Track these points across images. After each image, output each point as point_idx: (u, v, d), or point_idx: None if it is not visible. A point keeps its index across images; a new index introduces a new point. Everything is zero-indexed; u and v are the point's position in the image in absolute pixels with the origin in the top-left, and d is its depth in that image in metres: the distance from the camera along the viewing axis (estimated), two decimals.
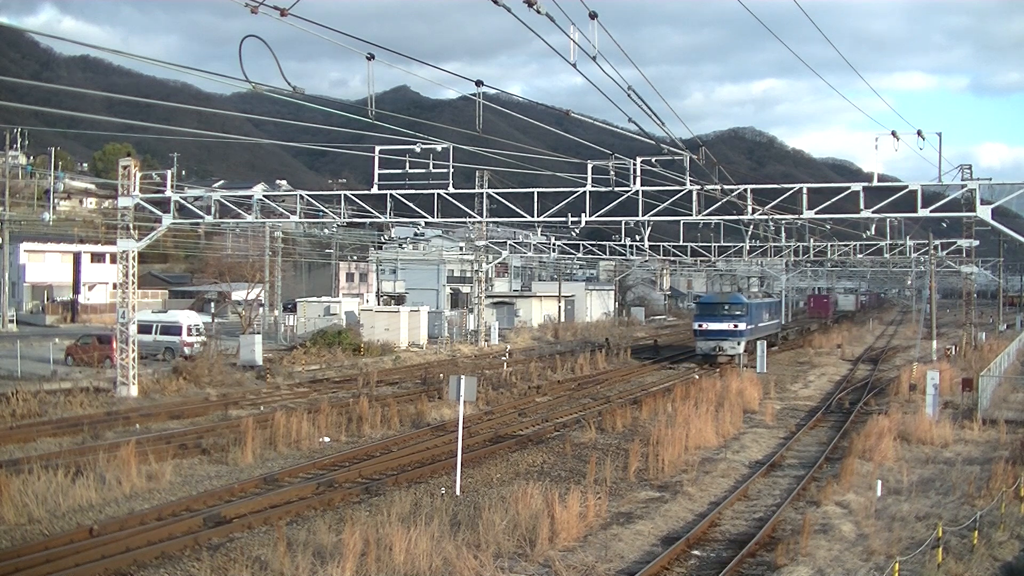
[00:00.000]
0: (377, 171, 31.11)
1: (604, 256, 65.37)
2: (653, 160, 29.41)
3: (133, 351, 34.60)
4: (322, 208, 36.90)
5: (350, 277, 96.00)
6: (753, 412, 32.90)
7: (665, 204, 31.44)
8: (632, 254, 60.31)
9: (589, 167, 30.66)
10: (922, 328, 61.89)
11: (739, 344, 48.77)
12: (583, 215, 31.33)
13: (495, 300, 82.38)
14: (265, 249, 63.06)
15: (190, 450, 24.09)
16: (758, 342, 49.26)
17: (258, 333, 51.23)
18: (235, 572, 14.33)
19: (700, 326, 50.72)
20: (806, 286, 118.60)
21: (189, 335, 45.81)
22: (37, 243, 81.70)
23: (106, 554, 15.20)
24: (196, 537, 16.34)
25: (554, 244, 60.46)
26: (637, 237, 48.89)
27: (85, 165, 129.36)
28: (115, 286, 42.39)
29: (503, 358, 48.55)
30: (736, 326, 49.07)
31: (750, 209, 31.29)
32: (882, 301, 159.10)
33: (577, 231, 46.36)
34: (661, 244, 58.04)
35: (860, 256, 60.36)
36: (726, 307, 50.16)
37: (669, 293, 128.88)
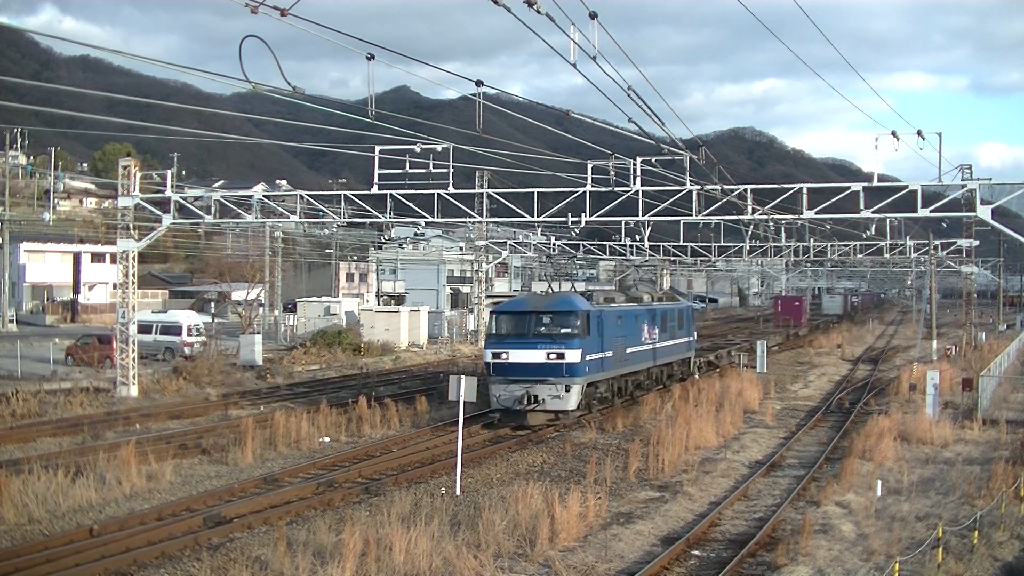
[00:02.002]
0: (377, 171, 31.10)
1: (604, 256, 65.32)
2: (653, 160, 29.41)
3: (133, 351, 34.60)
4: (322, 208, 36.90)
5: (350, 277, 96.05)
6: (753, 412, 32.90)
7: (665, 204, 31.43)
8: (632, 254, 60.24)
9: (589, 167, 30.65)
10: (922, 328, 61.86)
11: (569, 390, 27.47)
12: (583, 215, 31.32)
13: (495, 300, 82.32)
14: (265, 249, 63.08)
15: (190, 450, 24.10)
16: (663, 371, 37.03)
17: (258, 333, 51.24)
18: (235, 572, 14.33)
19: (496, 356, 27.90)
20: (806, 286, 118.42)
21: (189, 335, 45.81)
22: (37, 243, 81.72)
23: (106, 554, 15.20)
24: (196, 537, 16.34)
25: (554, 244, 60.41)
26: (637, 237, 48.85)
27: (85, 165, 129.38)
28: (115, 286, 42.39)
29: None
30: (562, 355, 27.37)
31: (750, 209, 31.28)
32: (881, 301, 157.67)
33: (577, 231, 46.32)
34: (661, 244, 57.98)
35: (860, 256, 60.32)
36: (545, 320, 28.14)
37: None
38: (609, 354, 29.99)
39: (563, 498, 17.63)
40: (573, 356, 27.36)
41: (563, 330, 27.71)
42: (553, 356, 27.29)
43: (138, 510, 18.26)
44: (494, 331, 28.79)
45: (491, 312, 30.80)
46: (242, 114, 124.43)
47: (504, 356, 27.72)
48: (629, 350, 32.20)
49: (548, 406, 27.51)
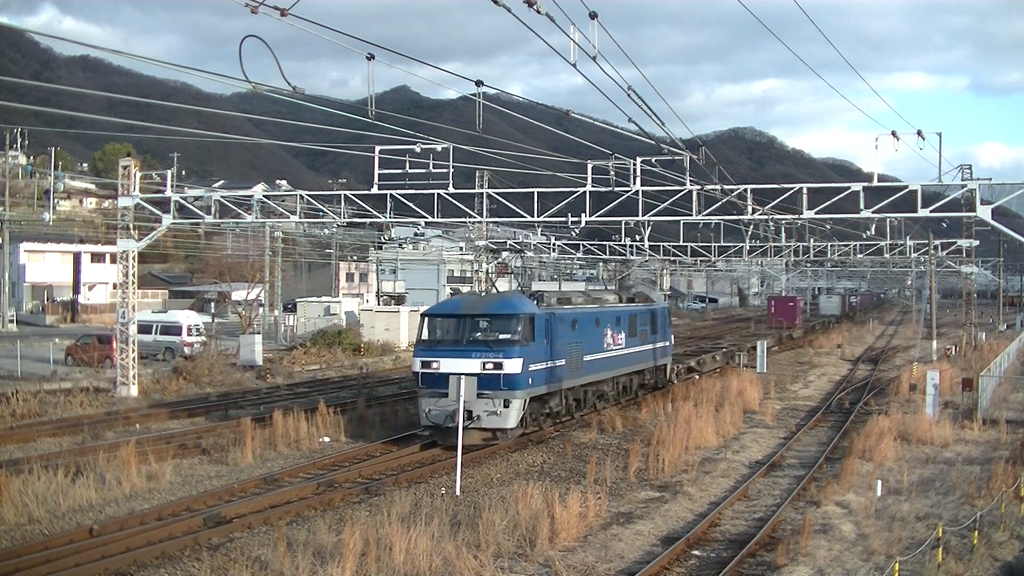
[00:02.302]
0: (377, 171, 31.10)
1: (604, 256, 65.33)
2: (653, 160, 29.40)
3: (133, 351, 34.60)
4: (322, 208, 36.90)
5: (350, 277, 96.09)
6: (753, 412, 32.89)
7: (665, 204, 31.43)
8: (632, 254, 60.19)
9: (589, 167, 30.65)
10: (922, 328, 61.86)
11: (508, 405, 24.10)
12: (583, 215, 31.32)
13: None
14: (265, 249, 63.08)
15: (190, 450, 24.10)
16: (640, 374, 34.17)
17: (258, 333, 51.24)
18: (235, 572, 14.33)
19: (426, 365, 24.69)
20: (806, 286, 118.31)
21: (189, 335, 45.83)
22: (37, 243, 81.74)
23: (106, 554, 15.20)
24: (196, 537, 16.34)
25: (554, 244, 60.41)
26: (637, 237, 48.83)
27: (85, 165, 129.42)
28: (115, 286, 42.37)
29: None
30: (499, 365, 24.08)
31: (750, 209, 31.28)
32: (880, 302, 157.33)
33: (577, 231, 46.31)
34: (661, 244, 58.01)
35: (860, 256, 60.32)
36: (482, 324, 24.98)
37: (669, 293, 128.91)
38: (561, 362, 26.73)
39: (563, 498, 17.63)
40: (513, 366, 24.05)
41: (502, 336, 24.50)
42: (489, 366, 23.97)
43: (138, 510, 18.25)
44: (425, 336, 25.42)
45: (421, 314, 27.14)
46: (242, 114, 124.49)
47: (434, 365, 24.39)
48: (589, 357, 28.89)
49: (484, 423, 24.08)
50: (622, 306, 33.52)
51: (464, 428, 22.18)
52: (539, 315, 25.62)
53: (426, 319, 25.92)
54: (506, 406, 24.10)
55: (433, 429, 24.77)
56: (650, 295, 39.48)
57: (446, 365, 24.07)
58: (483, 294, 29.48)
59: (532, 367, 24.75)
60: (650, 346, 35.29)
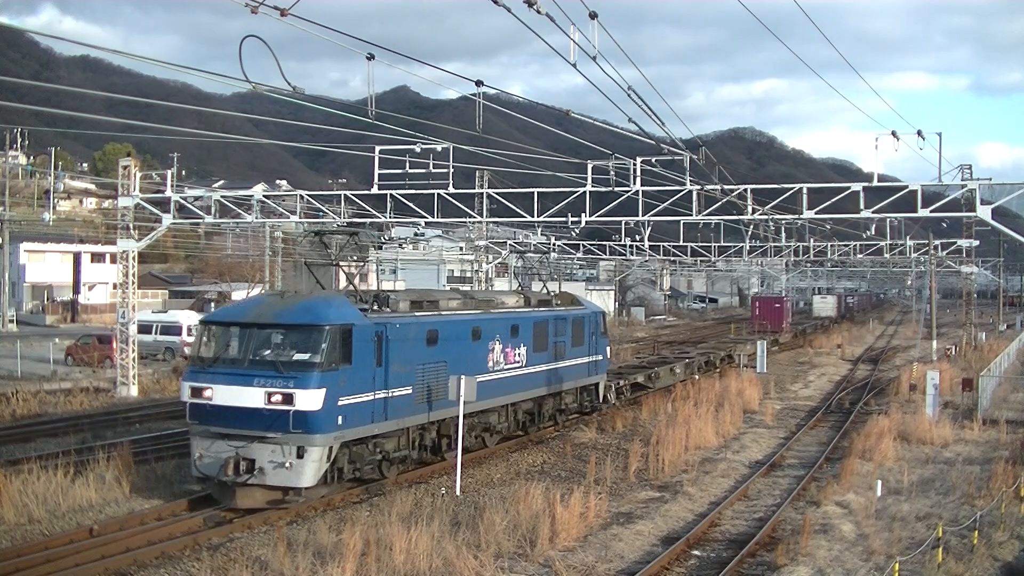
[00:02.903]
0: (377, 171, 31.10)
1: (604, 256, 65.32)
2: (653, 160, 29.38)
3: (133, 351, 34.60)
4: (322, 208, 36.91)
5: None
6: (753, 412, 32.89)
7: (665, 204, 31.42)
8: (632, 254, 60.16)
9: (589, 167, 30.64)
10: (922, 328, 61.89)
11: (303, 454, 17.49)
12: (583, 215, 31.30)
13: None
14: (265, 249, 63.09)
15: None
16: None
17: None
18: (235, 572, 14.33)
19: (197, 393, 18.42)
20: (806, 286, 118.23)
21: (189, 335, 45.79)
22: (37, 243, 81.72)
23: (106, 554, 15.21)
24: (196, 537, 16.34)
25: (554, 244, 60.41)
26: (637, 237, 48.81)
27: (85, 165, 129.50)
28: (115, 286, 42.39)
29: None
30: (289, 397, 17.45)
31: (750, 209, 31.27)
32: (880, 302, 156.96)
33: (577, 231, 46.29)
34: (661, 244, 57.99)
35: (860, 256, 60.32)
36: (276, 339, 18.63)
37: (669, 293, 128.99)
38: (405, 390, 20.00)
39: (564, 498, 17.64)
40: (309, 399, 17.29)
41: (297, 356, 17.79)
42: (277, 398, 17.31)
43: (138, 510, 18.24)
44: (200, 352, 18.89)
45: (200, 321, 20.87)
46: (242, 114, 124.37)
47: (207, 394, 17.95)
48: (433, 383, 21.24)
49: (270, 479, 17.37)
50: (523, 312, 26.62)
51: (241, 484, 17.37)
52: (361, 327, 18.76)
53: (202, 328, 19.42)
54: (299, 455, 17.33)
55: (206, 482, 18.25)
56: (578, 298, 32.12)
57: (221, 395, 17.78)
58: (286, 294, 20.95)
59: (346, 400, 18.04)
60: (571, 362, 28.57)
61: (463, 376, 20.26)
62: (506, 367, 24.72)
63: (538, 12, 12.20)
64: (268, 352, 18.11)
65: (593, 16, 14.18)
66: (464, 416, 21.03)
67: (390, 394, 19.56)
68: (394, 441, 20.44)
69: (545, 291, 31.05)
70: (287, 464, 17.36)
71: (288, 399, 17.32)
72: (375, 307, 20.01)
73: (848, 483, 21.13)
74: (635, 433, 27.75)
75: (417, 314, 21.30)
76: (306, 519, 17.94)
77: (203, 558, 15.12)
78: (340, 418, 17.98)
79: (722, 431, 28.15)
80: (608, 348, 32.57)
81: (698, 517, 18.89)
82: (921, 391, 32.70)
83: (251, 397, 17.49)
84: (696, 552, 16.71)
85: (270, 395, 17.40)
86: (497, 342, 24.28)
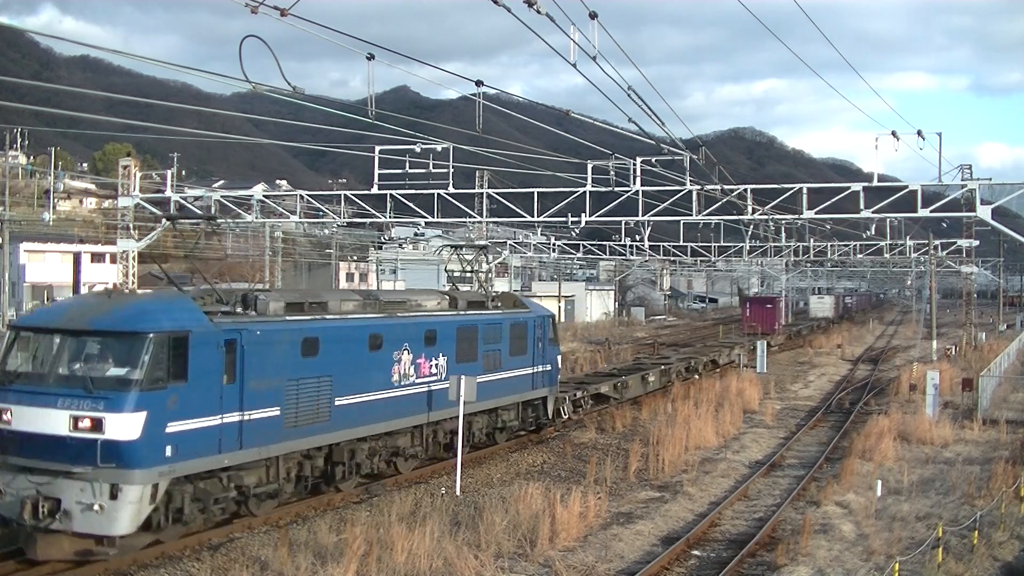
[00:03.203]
0: (377, 171, 31.09)
1: (604, 256, 65.30)
2: (653, 160, 29.38)
3: None
4: (322, 208, 36.92)
5: (350, 277, 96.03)
6: (753, 412, 32.90)
7: (665, 204, 31.41)
8: (632, 254, 60.14)
9: (589, 167, 30.63)
10: (922, 328, 61.88)
11: (117, 495, 13.92)
12: (583, 215, 31.30)
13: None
14: (265, 249, 63.10)
15: None
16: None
17: None
18: (235, 572, 14.33)
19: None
20: (806, 286, 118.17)
21: None
22: (37, 243, 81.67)
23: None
24: (196, 537, 16.33)
25: (554, 244, 60.41)
26: (637, 237, 48.80)
27: (85, 165, 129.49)
28: (115, 286, 42.36)
29: None
30: (98, 423, 14.00)
31: (750, 209, 31.27)
32: (879, 302, 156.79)
33: (577, 231, 46.26)
34: (661, 244, 57.99)
35: (860, 256, 60.33)
36: (89, 349, 15.00)
37: (669, 293, 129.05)
38: (272, 412, 16.76)
39: (563, 498, 17.65)
40: (123, 425, 14.12)
41: (113, 371, 14.70)
42: (84, 423, 14.11)
43: None
44: (4, 365, 15.37)
45: (9, 326, 18.19)
46: (242, 114, 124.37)
47: (5, 417, 14.62)
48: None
49: (76, 524, 14.09)
50: (443, 316, 22.92)
51: (42, 529, 14.08)
52: (201, 334, 15.41)
53: (13, 333, 15.95)
54: (113, 496, 14.04)
55: (8, 526, 14.77)
56: (521, 300, 28.61)
57: (21, 418, 14.47)
58: (114, 294, 17.45)
59: (178, 426, 14.82)
60: (508, 374, 25.00)
61: (462, 376, 20.19)
62: (418, 381, 21.19)
63: (538, 12, 12.21)
64: (78, 366, 14.76)
65: (593, 16, 14.20)
66: (366, 438, 19.42)
67: (247, 417, 16.09)
68: (257, 474, 16.91)
69: (481, 291, 27.71)
70: (97, 506, 13.94)
71: (97, 425, 14.00)
72: (237, 309, 16.73)
73: (848, 483, 21.14)
74: (635, 433, 27.77)
75: (289, 318, 17.65)
76: (306, 519, 17.93)
77: (203, 558, 15.14)
78: (169, 448, 14.59)
79: (722, 431, 28.16)
80: (559, 357, 29.16)
81: (698, 517, 18.90)
82: (921, 391, 32.71)
83: (54, 422, 14.15)
84: (696, 552, 16.72)
85: (76, 420, 14.08)
86: (406, 352, 20.77)
